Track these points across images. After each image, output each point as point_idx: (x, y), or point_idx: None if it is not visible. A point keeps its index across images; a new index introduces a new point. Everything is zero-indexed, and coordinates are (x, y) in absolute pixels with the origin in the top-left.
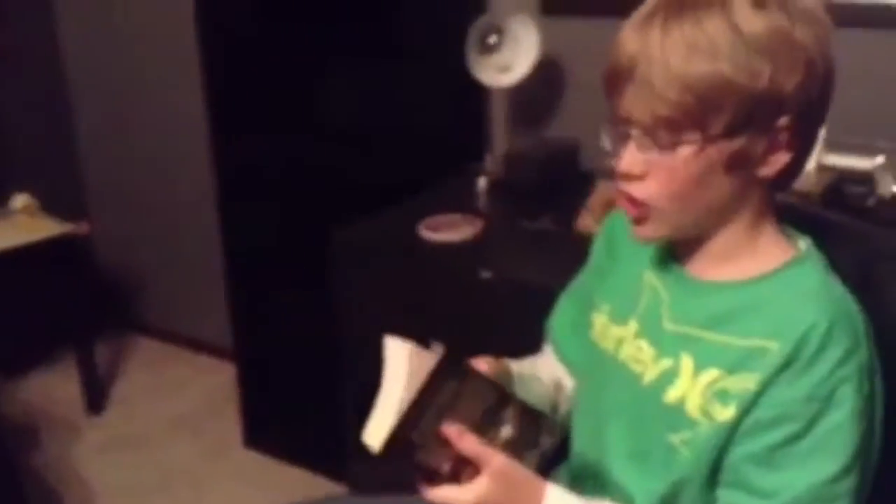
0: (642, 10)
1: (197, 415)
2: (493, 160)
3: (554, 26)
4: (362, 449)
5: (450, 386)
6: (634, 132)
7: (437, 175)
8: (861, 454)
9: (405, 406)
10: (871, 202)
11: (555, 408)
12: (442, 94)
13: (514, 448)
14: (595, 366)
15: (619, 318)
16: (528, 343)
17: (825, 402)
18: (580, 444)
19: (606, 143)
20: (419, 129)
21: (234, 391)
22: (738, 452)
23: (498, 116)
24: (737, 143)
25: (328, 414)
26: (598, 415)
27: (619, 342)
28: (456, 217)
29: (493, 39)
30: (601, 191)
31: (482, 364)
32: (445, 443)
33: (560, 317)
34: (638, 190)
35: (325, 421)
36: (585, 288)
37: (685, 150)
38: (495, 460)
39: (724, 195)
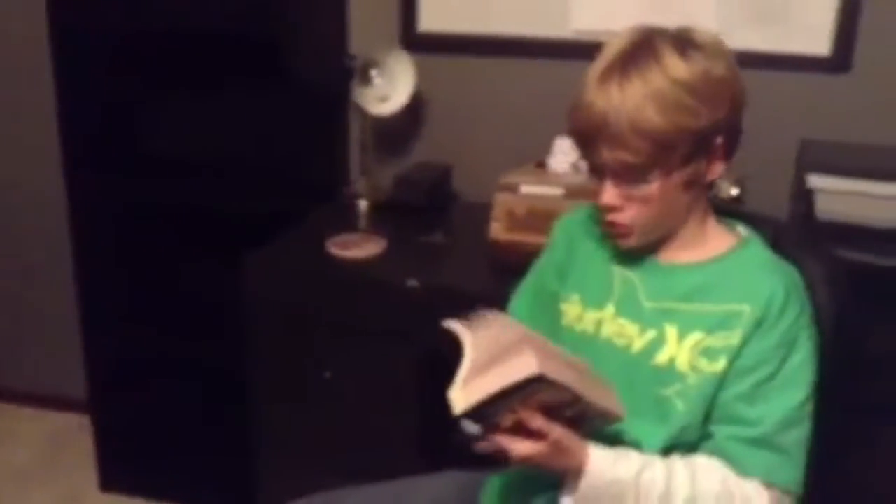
0: (596, 72)
1: (37, 465)
2: (369, 184)
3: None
4: (271, 475)
5: (532, 388)
6: (610, 175)
7: (303, 203)
8: (814, 385)
9: (490, 390)
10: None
11: None
12: (305, 126)
13: (571, 423)
14: (571, 345)
15: (594, 303)
16: None
17: (789, 347)
18: None
19: (585, 180)
20: (284, 159)
21: (72, 436)
22: (727, 394)
23: (355, 145)
24: (691, 168)
25: (193, 445)
26: None
27: (599, 323)
28: (355, 236)
29: (374, 73)
30: (501, 203)
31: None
32: (514, 412)
33: (518, 312)
34: (620, 217)
35: (190, 452)
36: (542, 284)
37: (653, 184)
38: (554, 432)
39: (684, 204)
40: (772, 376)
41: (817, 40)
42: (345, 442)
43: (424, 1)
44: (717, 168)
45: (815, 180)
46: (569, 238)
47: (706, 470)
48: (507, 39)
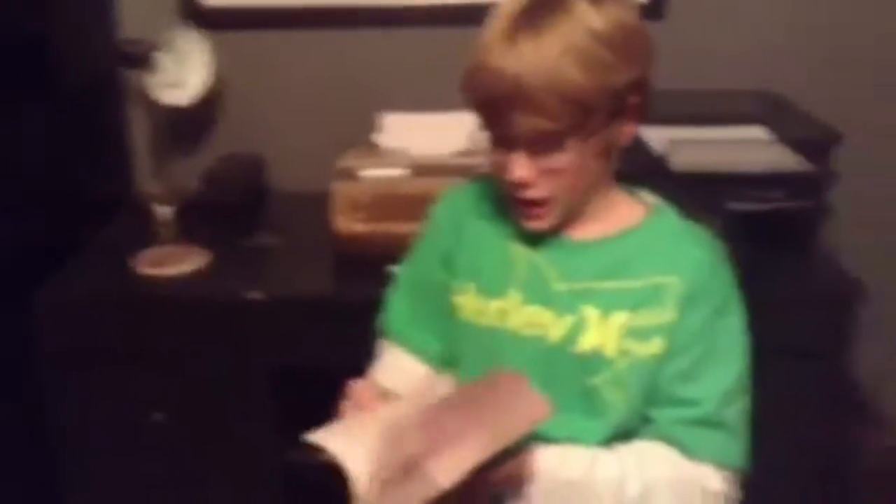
0: (498, 32)
1: None
2: (166, 187)
3: None
4: None
5: None
6: (523, 145)
7: (84, 220)
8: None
9: None
10: None
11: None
12: (73, 129)
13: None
14: (475, 343)
15: (494, 292)
16: (329, 351)
17: (722, 317)
18: None
19: (486, 155)
20: (51, 172)
21: None
22: (665, 374)
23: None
24: (607, 132)
25: None
26: None
27: (503, 313)
28: (169, 249)
29: (160, 56)
30: (341, 192)
31: (365, 393)
32: None
33: (398, 314)
34: (533, 192)
35: None
36: (423, 277)
37: (570, 152)
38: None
39: (598, 173)
40: (710, 349)
41: None
42: (191, 490)
43: None
44: (631, 131)
45: (662, 132)
46: (454, 220)
47: (653, 456)
48: (312, 8)
